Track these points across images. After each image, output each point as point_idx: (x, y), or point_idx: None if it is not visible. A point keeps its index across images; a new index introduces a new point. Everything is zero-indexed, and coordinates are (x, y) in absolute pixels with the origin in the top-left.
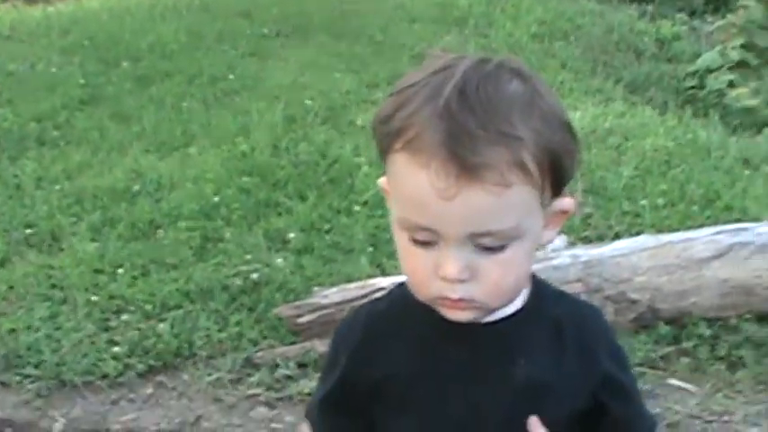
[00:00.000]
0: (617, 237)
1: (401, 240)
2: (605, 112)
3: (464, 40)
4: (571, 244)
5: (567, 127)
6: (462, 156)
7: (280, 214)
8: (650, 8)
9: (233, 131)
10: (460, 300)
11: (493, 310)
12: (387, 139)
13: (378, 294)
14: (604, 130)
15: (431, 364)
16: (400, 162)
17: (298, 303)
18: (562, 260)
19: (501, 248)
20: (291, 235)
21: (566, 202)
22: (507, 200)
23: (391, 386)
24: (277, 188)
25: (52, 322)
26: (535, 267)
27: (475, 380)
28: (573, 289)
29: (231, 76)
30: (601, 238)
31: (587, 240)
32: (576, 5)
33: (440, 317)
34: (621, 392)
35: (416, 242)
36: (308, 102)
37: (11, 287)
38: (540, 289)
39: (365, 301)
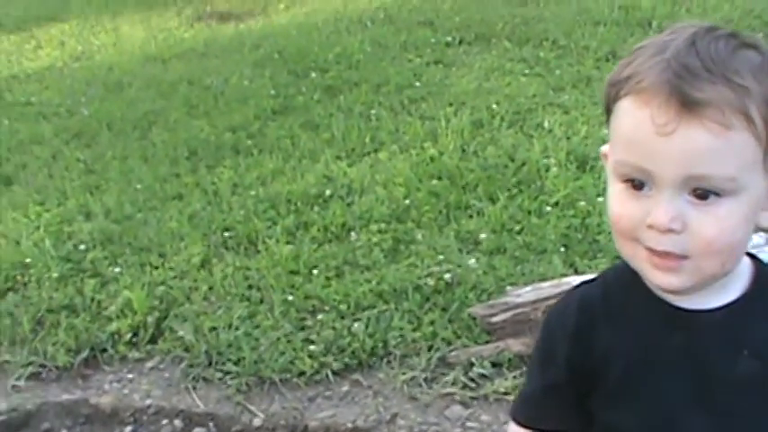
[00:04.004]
0: None
1: (613, 188)
2: None
3: None
4: None
5: None
6: (684, 91)
7: (470, 216)
8: None
9: (421, 137)
10: (666, 254)
11: (703, 278)
12: (614, 89)
13: None
14: None
15: (651, 351)
16: (624, 106)
17: (491, 303)
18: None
19: (716, 202)
20: (483, 236)
21: None
22: (727, 143)
23: (610, 371)
24: (466, 191)
25: (251, 321)
26: None
27: (695, 370)
28: None
29: (417, 84)
30: None
31: None
32: (765, 3)
33: (660, 302)
34: None
35: (628, 188)
36: (495, 106)
37: (211, 288)
38: (763, 274)
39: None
